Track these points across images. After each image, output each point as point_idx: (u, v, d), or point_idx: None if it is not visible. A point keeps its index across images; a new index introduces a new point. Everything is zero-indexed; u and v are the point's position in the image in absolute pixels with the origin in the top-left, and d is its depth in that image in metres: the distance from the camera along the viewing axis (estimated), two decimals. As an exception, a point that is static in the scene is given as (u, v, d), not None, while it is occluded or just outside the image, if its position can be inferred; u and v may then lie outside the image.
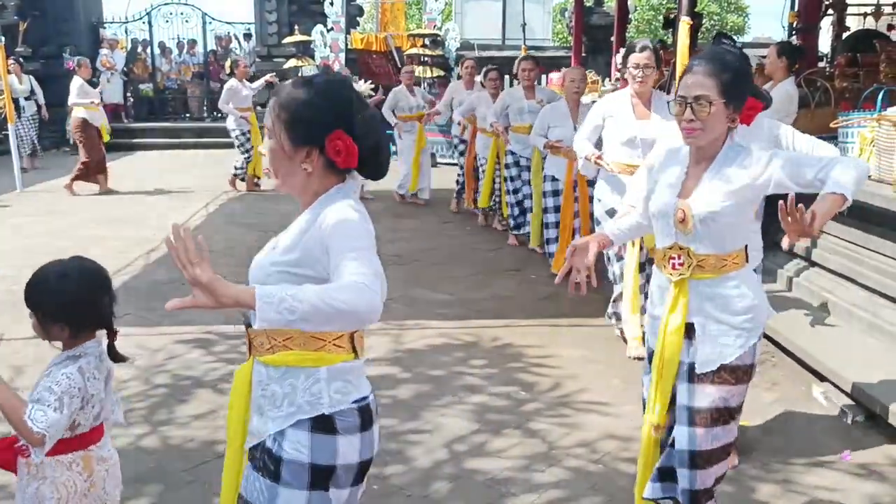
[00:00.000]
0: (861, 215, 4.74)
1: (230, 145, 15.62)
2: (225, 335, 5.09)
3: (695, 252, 2.50)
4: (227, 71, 11.49)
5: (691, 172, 2.54)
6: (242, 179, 10.96)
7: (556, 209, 6.39)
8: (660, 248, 2.61)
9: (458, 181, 9.56)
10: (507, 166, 7.59)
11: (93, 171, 10.73)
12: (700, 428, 2.52)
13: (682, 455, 2.56)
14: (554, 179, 6.43)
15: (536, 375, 4.52)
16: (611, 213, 4.50)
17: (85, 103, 10.57)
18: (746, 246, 2.55)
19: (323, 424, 1.86)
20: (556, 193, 6.42)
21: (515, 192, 7.54)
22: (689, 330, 2.57)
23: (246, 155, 10.76)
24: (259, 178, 10.98)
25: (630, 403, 4.14)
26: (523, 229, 7.57)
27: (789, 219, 2.16)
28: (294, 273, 1.83)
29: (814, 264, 5.29)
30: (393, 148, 11.00)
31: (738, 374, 2.52)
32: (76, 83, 10.63)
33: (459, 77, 9.81)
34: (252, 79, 11.78)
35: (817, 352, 4.38)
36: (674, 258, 2.54)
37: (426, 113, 9.82)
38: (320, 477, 1.86)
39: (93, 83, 11.09)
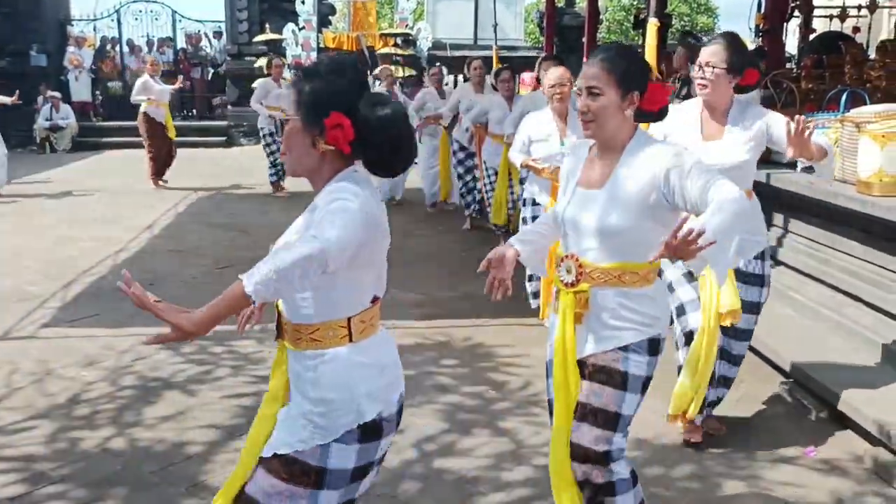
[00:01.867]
0: (826, 215, 4.82)
1: (201, 144, 15.52)
2: (194, 336, 5.05)
3: (285, 317, 2.10)
4: (266, 70, 11.37)
5: None
6: (275, 185, 10.56)
7: None
8: None
9: (462, 194, 8.69)
10: (522, 181, 6.47)
11: (164, 165, 11.04)
12: None
13: None
14: (535, 204, 5.28)
15: (507, 375, 4.54)
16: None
17: (142, 100, 10.78)
18: (351, 319, 2.01)
19: None
20: (535, 220, 5.55)
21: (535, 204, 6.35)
22: None
23: (272, 157, 10.40)
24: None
25: (599, 402, 4.17)
26: None
27: None
28: None
29: (780, 263, 5.36)
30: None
31: (293, 471, 2.00)
32: (140, 80, 10.96)
33: (467, 79, 8.99)
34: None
35: (783, 349, 4.44)
36: None
37: (426, 116, 9.03)
38: None
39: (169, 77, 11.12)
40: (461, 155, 8.61)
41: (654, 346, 2.52)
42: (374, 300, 2.09)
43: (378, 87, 10.10)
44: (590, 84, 2.44)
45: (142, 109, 10.91)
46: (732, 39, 3.46)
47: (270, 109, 10.24)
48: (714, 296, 3.44)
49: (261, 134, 10.60)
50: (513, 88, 7.44)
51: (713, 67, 3.37)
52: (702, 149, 3.38)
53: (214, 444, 3.67)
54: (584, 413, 2.51)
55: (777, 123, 3.40)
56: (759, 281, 3.56)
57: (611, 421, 2.49)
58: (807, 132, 3.12)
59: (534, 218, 5.18)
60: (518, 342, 5.00)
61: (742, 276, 3.51)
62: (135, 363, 4.64)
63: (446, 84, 11.48)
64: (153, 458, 3.53)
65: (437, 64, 12.84)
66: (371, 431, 2.04)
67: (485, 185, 7.72)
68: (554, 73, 5.12)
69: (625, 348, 2.48)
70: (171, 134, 11.21)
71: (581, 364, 2.54)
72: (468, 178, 8.52)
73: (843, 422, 3.86)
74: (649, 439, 3.74)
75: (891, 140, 4.05)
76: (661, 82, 2.64)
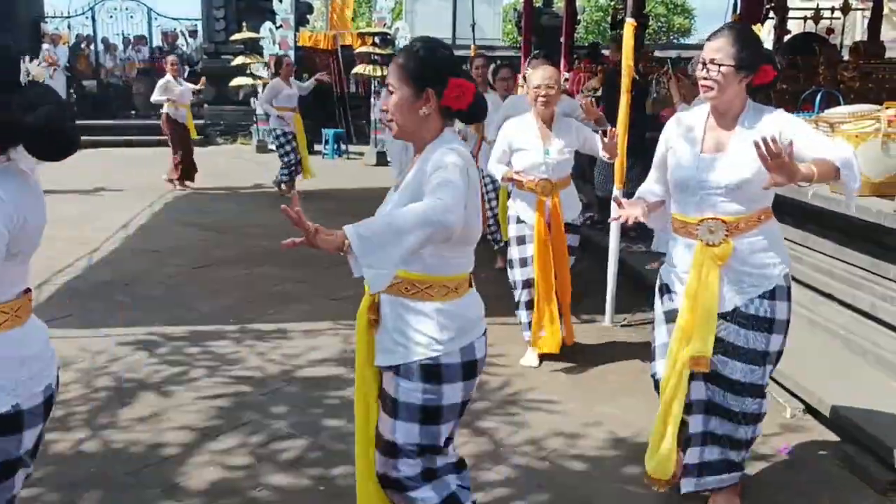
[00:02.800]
0: (800, 214, 4.86)
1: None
2: (168, 336, 5.01)
3: None
4: (272, 70, 11.17)
5: None
6: (283, 185, 10.32)
7: (523, 263, 4.72)
8: None
9: None
10: (509, 194, 5.51)
11: (189, 166, 10.91)
12: None
13: None
14: (519, 221, 4.72)
15: (486, 374, 4.52)
16: (663, 288, 3.19)
17: (163, 100, 10.69)
18: None
19: None
20: (521, 241, 4.71)
21: (520, 222, 5.39)
22: None
23: (286, 158, 10.19)
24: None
25: (576, 401, 4.19)
26: None
27: None
28: None
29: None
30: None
31: None
32: (161, 80, 10.84)
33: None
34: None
35: (758, 348, 4.47)
36: None
37: None
38: None
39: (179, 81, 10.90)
40: None
41: (430, 372, 2.28)
42: (27, 291, 2.05)
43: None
44: (388, 81, 2.32)
45: (163, 111, 10.81)
46: (741, 31, 2.88)
47: (280, 110, 9.99)
48: (682, 340, 2.97)
49: (273, 136, 10.41)
50: (511, 87, 6.89)
51: (718, 65, 2.79)
52: (697, 164, 2.91)
53: (190, 445, 3.63)
54: (376, 434, 2.41)
55: (790, 133, 2.76)
56: (767, 326, 2.92)
57: (389, 449, 2.35)
58: (783, 151, 2.46)
59: (519, 238, 4.73)
60: (497, 342, 4.99)
61: (741, 318, 2.92)
62: (109, 364, 4.58)
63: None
64: (128, 461, 3.49)
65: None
66: (9, 425, 1.97)
67: (485, 204, 6.92)
68: (538, 74, 4.54)
69: (396, 370, 2.31)
70: (192, 135, 11.09)
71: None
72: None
73: (818, 419, 3.90)
74: (627, 438, 3.76)
75: (864, 140, 4.10)
76: (466, 77, 2.32)
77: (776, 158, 2.46)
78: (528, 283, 4.70)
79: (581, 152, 4.78)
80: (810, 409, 3.96)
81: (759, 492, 3.31)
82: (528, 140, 4.56)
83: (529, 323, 4.75)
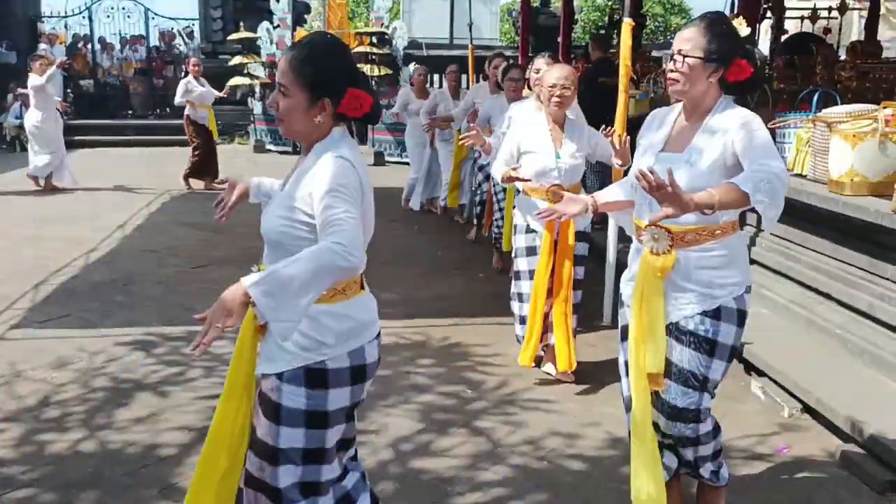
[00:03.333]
0: (798, 214, 4.86)
1: (175, 143, 15.36)
2: (166, 336, 5.00)
3: None
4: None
5: None
6: None
7: (531, 275, 4.34)
8: None
9: (474, 202, 7.93)
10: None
11: (200, 168, 10.93)
12: None
13: None
14: (529, 231, 4.40)
15: (483, 374, 4.53)
16: (619, 298, 3.04)
17: (183, 102, 10.75)
18: None
19: None
20: (531, 252, 4.37)
21: (529, 232, 4.86)
22: None
23: None
24: None
25: (574, 401, 4.19)
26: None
27: None
28: None
29: (752, 262, 5.41)
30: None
31: None
32: (182, 82, 10.91)
33: (486, 78, 8.04)
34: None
35: (755, 347, 4.48)
36: None
37: (431, 118, 8.27)
38: None
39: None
40: (482, 161, 7.26)
41: (315, 377, 2.20)
42: None
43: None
44: (279, 81, 2.21)
45: (185, 112, 10.87)
46: (714, 21, 2.61)
47: None
48: (640, 357, 2.70)
49: None
50: (521, 89, 6.28)
51: (685, 56, 2.58)
52: (654, 162, 2.66)
53: (187, 445, 3.63)
54: (252, 439, 2.31)
55: (742, 139, 2.53)
56: (708, 347, 2.67)
57: (269, 455, 2.26)
58: (664, 183, 2.26)
59: (529, 248, 4.37)
60: (495, 341, 5.00)
61: (679, 333, 2.70)
62: (106, 364, 4.58)
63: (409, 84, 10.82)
64: (125, 461, 3.49)
65: (422, 63, 12.67)
66: None
67: (494, 205, 6.72)
68: (553, 73, 4.22)
69: (280, 376, 2.21)
70: (215, 135, 11.13)
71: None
72: (487, 186, 7.31)
73: (816, 419, 3.90)
74: (625, 438, 3.75)
75: (861, 140, 4.10)
76: (364, 88, 2.24)
77: (657, 190, 2.28)
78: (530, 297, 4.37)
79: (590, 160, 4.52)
80: (808, 409, 3.96)
81: (756, 491, 3.31)
82: (538, 142, 4.25)
83: (519, 337, 4.55)
